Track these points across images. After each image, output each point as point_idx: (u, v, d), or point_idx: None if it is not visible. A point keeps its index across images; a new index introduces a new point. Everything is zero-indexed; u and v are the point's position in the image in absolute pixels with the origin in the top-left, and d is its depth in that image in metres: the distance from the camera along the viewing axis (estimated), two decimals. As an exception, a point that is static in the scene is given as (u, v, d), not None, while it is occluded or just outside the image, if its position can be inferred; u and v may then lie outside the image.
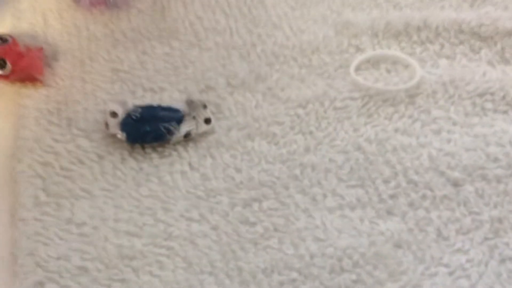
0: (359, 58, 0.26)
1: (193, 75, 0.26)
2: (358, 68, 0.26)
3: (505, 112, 0.24)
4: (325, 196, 0.22)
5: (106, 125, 0.23)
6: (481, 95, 0.25)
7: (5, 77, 0.24)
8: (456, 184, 0.22)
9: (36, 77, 0.25)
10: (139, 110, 0.24)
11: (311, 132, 0.24)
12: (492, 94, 0.25)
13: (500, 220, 0.21)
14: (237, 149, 0.23)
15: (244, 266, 0.20)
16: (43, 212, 0.21)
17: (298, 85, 0.26)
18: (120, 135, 0.23)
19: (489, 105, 0.24)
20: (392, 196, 0.22)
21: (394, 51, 0.27)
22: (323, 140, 0.24)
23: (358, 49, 0.27)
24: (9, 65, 0.24)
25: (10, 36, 0.25)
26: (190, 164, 0.23)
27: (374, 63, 0.26)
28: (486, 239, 0.21)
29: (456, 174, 0.22)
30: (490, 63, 0.26)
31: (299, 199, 0.22)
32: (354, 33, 0.27)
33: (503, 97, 0.25)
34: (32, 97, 0.25)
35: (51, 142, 0.23)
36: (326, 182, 0.22)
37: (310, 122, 0.24)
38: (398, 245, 0.20)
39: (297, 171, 0.23)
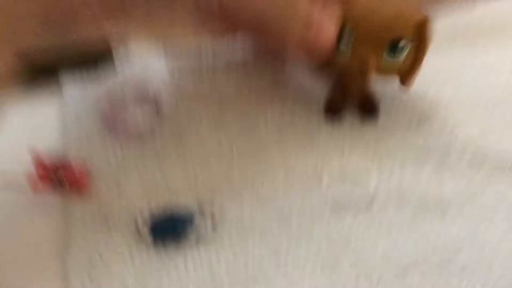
0: (330, 172, 0.34)
1: (203, 188, 0.33)
2: (329, 180, 0.33)
3: (441, 214, 0.31)
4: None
5: (136, 227, 0.31)
6: (423, 200, 0.32)
7: (62, 192, 0.32)
8: (405, 268, 0.29)
9: (82, 186, 0.32)
10: (162, 214, 0.31)
11: (291, 232, 0.31)
12: (433, 199, 0.31)
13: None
14: (236, 250, 0.30)
15: None
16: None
17: (283, 197, 0.33)
18: (147, 235, 0.30)
19: (430, 209, 0.32)
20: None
21: (356, 164, 0.34)
22: (302, 237, 0.31)
23: (329, 165, 0.34)
24: (66, 184, 0.32)
25: (67, 161, 0.33)
26: (200, 260, 0.29)
27: (341, 176, 0.34)
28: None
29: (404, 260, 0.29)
30: (430, 174, 0.33)
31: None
32: (326, 153, 0.35)
33: (439, 202, 0.32)
34: (80, 206, 0.32)
35: (93, 235, 0.31)
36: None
37: (292, 224, 0.32)
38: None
39: (281, 261, 0.30)
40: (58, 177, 0.32)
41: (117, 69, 0.41)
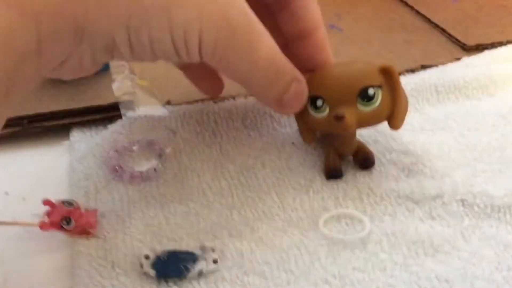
0: (326, 215, 0.36)
1: (204, 228, 0.35)
2: (325, 222, 0.36)
3: (432, 255, 0.33)
4: (301, 317, 0.30)
5: (141, 265, 0.32)
6: (414, 242, 0.34)
7: (69, 231, 0.34)
8: (397, 307, 0.30)
9: (90, 231, 0.34)
10: (166, 253, 0.32)
11: (291, 270, 0.32)
12: (422, 242, 0.34)
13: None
14: (236, 283, 0.31)
15: None
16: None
17: (282, 235, 0.35)
18: (151, 273, 0.32)
19: (420, 250, 0.33)
20: (350, 317, 0.30)
21: (351, 210, 0.36)
22: (300, 276, 0.32)
23: (325, 209, 0.37)
24: (73, 223, 0.33)
25: (75, 202, 0.35)
26: (202, 294, 0.31)
27: (337, 219, 0.36)
28: None
29: (396, 300, 0.30)
30: (421, 219, 0.35)
31: (282, 320, 0.30)
32: (321, 198, 0.37)
33: (431, 244, 0.34)
34: (86, 245, 0.34)
35: (100, 279, 0.32)
36: (302, 307, 0.30)
37: (290, 263, 0.33)
38: None
39: (281, 299, 0.31)
40: (67, 220, 0.33)
41: (124, 118, 0.43)
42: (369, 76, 0.34)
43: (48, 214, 0.34)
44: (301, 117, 0.37)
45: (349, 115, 0.34)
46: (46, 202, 0.34)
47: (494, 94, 0.47)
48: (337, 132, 0.37)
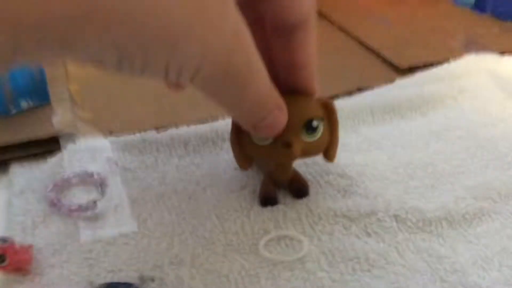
0: (266, 237, 0.36)
1: (144, 258, 0.35)
2: (265, 245, 0.36)
3: (368, 270, 0.34)
4: None
5: (78, 299, 0.32)
6: (351, 259, 0.35)
7: (3, 268, 0.33)
8: (334, 324, 0.31)
9: (26, 268, 0.33)
10: (104, 286, 0.32)
11: (231, 295, 0.33)
12: (358, 258, 0.35)
13: None
14: (177, 311, 0.32)
15: None
16: None
17: (223, 260, 0.35)
18: (89, 306, 0.31)
19: (357, 266, 0.34)
20: (289, 337, 0.30)
21: (290, 231, 0.37)
22: (241, 300, 0.32)
23: (265, 231, 0.37)
24: (7, 260, 0.33)
25: (10, 238, 0.34)
26: (141, 324, 0.31)
27: (277, 240, 0.36)
28: None
29: (334, 318, 0.31)
30: (357, 236, 0.36)
31: None
32: (262, 220, 0.38)
33: (366, 260, 0.35)
34: (21, 282, 0.33)
35: (36, 315, 0.31)
36: (242, 331, 0.31)
37: (231, 287, 0.33)
38: None
39: (221, 324, 0.31)
40: (1, 257, 0.32)
41: (64, 151, 0.43)
42: (313, 109, 0.36)
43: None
44: (239, 143, 0.38)
45: (296, 144, 0.35)
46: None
47: (426, 113, 0.50)
48: (280, 160, 0.38)
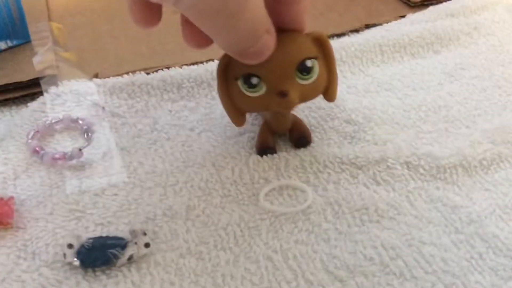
0: (267, 187, 0.34)
1: (136, 210, 0.32)
2: (266, 195, 0.33)
3: (377, 221, 0.32)
4: (241, 298, 0.28)
5: (64, 255, 0.29)
6: (358, 210, 0.32)
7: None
8: (341, 280, 0.28)
9: (7, 222, 0.31)
10: (91, 241, 0.30)
11: (230, 248, 0.30)
12: (366, 208, 0.32)
13: (375, 306, 0.27)
14: (172, 266, 0.29)
15: None
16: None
17: (220, 212, 0.32)
18: (75, 262, 0.29)
19: (365, 217, 0.32)
20: (293, 294, 0.28)
21: (293, 181, 0.34)
22: (240, 254, 0.30)
23: (266, 181, 0.34)
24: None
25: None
26: (132, 282, 0.28)
27: (278, 190, 0.34)
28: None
29: (341, 272, 0.29)
30: (365, 185, 0.34)
31: (220, 303, 0.28)
32: (262, 169, 0.35)
33: (375, 210, 0.32)
34: (3, 237, 0.31)
35: (19, 273, 0.29)
36: (242, 287, 0.28)
37: (229, 240, 0.31)
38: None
39: (220, 280, 0.29)
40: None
41: (45, 95, 0.40)
42: (305, 47, 0.32)
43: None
44: (229, 99, 0.33)
45: (292, 91, 0.31)
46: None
47: (440, 51, 0.46)
48: (277, 110, 0.34)
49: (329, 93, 0.34)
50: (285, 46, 0.31)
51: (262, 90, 0.32)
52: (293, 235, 0.31)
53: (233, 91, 0.33)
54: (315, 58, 0.32)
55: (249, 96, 0.32)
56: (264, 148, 0.36)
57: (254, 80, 0.32)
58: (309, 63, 0.32)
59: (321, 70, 0.33)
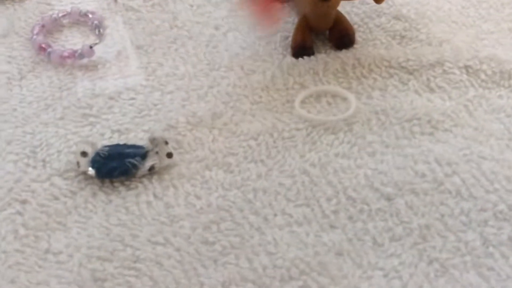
0: (303, 93, 0.30)
1: (156, 116, 0.29)
2: (302, 102, 0.30)
3: (430, 133, 0.28)
4: (275, 215, 0.25)
5: (78, 164, 0.26)
6: (409, 120, 0.28)
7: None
8: (388, 198, 0.25)
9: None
10: (107, 148, 0.26)
11: (262, 161, 0.27)
12: (418, 119, 0.28)
13: (427, 227, 0.24)
14: (197, 179, 0.26)
15: (205, 281, 0.22)
16: (23, 244, 0.24)
17: (250, 120, 0.29)
18: (90, 172, 0.26)
19: (416, 129, 0.28)
20: (334, 212, 0.25)
21: (333, 86, 0.30)
22: (273, 167, 0.27)
23: (302, 86, 0.30)
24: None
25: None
26: (154, 195, 0.25)
27: (316, 97, 0.30)
28: (415, 244, 0.23)
29: (388, 190, 0.25)
30: (417, 92, 0.30)
31: (252, 220, 0.25)
32: (298, 72, 0.31)
33: (429, 121, 0.28)
34: (9, 142, 0.28)
35: (29, 182, 0.26)
36: (276, 203, 0.25)
37: (261, 151, 0.27)
38: (339, 253, 0.23)
39: (251, 195, 0.26)
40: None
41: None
42: None
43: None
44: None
45: None
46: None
47: None
48: (317, 13, 0.30)
49: None
50: None
51: None
52: (333, 147, 0.27)
53: None
54: None
55: None
56: (301, 49, 0.31)
57: None
58: None
59: None
